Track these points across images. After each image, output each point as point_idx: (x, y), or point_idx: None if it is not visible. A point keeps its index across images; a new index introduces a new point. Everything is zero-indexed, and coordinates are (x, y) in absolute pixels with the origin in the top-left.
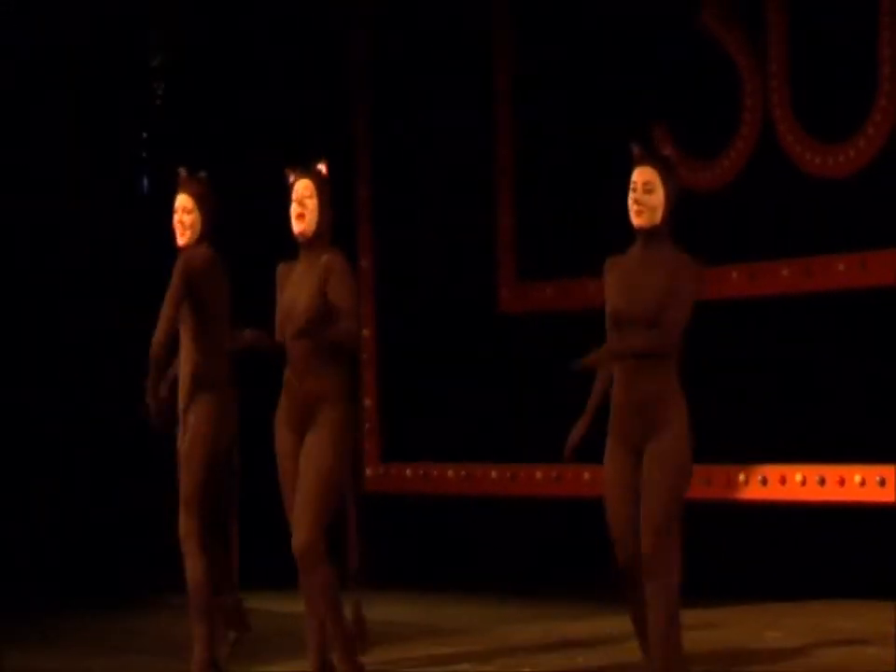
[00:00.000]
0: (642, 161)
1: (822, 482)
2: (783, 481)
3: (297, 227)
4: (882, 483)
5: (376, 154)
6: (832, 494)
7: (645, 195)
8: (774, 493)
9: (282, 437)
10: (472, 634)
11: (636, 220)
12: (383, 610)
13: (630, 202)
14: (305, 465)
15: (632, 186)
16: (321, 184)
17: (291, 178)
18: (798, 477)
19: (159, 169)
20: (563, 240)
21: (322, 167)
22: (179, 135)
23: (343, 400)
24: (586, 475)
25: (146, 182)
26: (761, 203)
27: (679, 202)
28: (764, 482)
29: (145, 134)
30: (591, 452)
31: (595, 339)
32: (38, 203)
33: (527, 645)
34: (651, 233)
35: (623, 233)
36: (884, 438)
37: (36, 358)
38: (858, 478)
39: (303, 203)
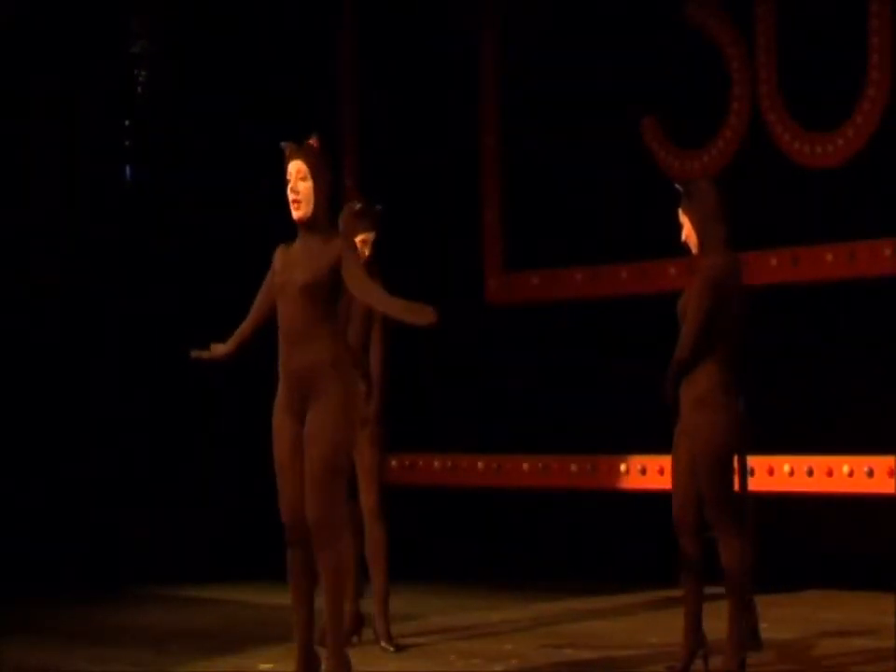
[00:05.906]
0: (680, 202)
1: (810, 472)
2: (771, 471)
3: (295, 214)
4: (870, 473)
5: (362, 144)
6: (820, 484)
7: (684, 233)
8: (762, 484)
9: (280, 422)
10: (458, 624)
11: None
12: (366, 601)
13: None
14: (311, 443)
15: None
16: (314, 162)
17: (287, 153)
18: (786, 468)
19: (141, 156)
20: (549, 230)
21: (313, 142)
22: (161, 123)
23: (341, 372)
24: (573, 467)
25: (128, 170)
26: (749, 193)
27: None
28: (752, 472)
29: (127, 122)
30: (577, 443)
31: (581, 328)
32: (21, 191)
33: (514, 636)
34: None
35: (610, 224)
36: (871, 428)
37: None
38: (846, 468)
39: (297, 190)
